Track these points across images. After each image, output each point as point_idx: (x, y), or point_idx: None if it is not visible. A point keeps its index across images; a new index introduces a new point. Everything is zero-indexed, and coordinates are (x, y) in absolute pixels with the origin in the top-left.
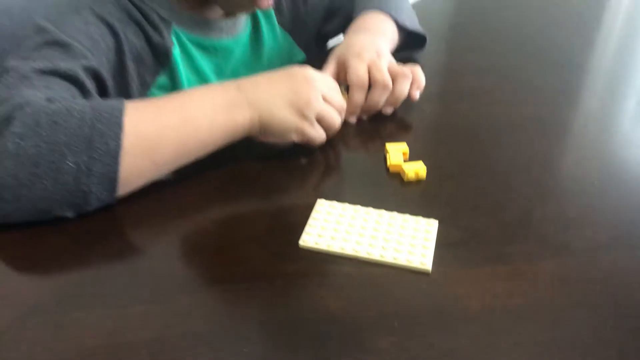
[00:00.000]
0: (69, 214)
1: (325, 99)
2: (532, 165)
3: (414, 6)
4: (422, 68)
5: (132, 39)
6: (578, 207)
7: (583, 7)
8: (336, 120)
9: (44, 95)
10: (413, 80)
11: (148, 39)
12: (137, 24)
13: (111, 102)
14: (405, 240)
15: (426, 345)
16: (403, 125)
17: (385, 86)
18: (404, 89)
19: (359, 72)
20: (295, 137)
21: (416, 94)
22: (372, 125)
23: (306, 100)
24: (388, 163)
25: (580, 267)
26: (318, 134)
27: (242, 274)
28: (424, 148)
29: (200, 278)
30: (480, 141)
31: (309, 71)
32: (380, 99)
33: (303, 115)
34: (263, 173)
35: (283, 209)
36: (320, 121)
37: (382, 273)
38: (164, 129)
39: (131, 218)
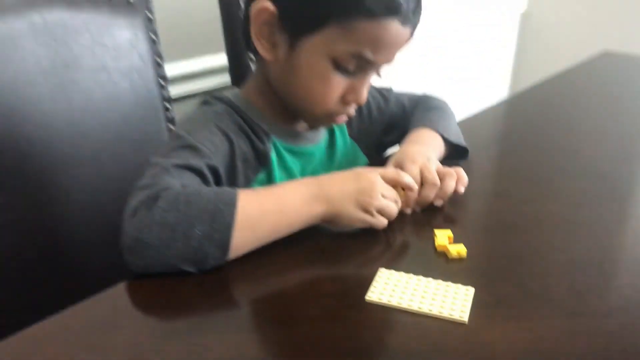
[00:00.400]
0: (192, 269)
1: (384, 196)
2: (553, 251)
3: (470, 119)
4: (470, 170)
5: (241, 146)
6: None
7: (631, 120)
8: (393, 212)
9: (180, 183)
10: (458, 178)
11: (253, 146)
12: (246, 134)
13: (228, 190)
14: (448, 300)
15: None
16: (449, 216)
17: (434, 184)
18: (450, 185)
19: (413, 173)
20: (359, 226)
21: (461, 189)
22: (424, 216)
23: (369, 198)
24: (435, 244)
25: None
26: (379, 222)
27: (320, 318)
28: (466, 234)
29: (286, 318)
30: (514, 231)
31: (372, 173)
32: (430, 194)
33: (366, 210)
34: (332, 247)
35: (351, 275)
36: (381, 212)
37: (429, 322)
38: (264, 212)
39: (236, 277)
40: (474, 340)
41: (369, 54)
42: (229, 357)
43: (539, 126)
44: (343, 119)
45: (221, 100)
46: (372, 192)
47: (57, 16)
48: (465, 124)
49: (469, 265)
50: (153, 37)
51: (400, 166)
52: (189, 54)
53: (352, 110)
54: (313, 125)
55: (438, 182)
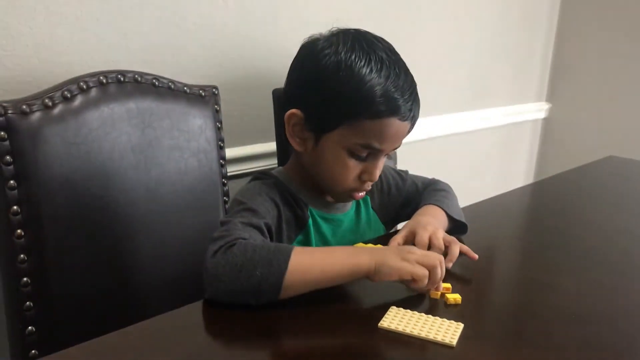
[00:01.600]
0: (252, 302)
1: (422, 255)
2: (532, 305)
3: (496, 198)
4: (480, 237)
5: (286, 212)
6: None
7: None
8: (434, 260)
9: (247, 235)
10: (464, 249)
11: (294, 213)
12: (289, 203)
13: (286, 245)
14: (442, 330)
15: None
16: (455, 274)
17: (440, 249)
18: (456, 250)
19: (423, 238)
20: (405, 277)
21: (449, 264)
22: None
23: (408, 251)
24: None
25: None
26: (420, 270)
27: (344, 343)
28: (464, 288)
29: (318, 344)
30: (502, 289)
31: (408, 246)
32: (457, 251)
33: (407, 260)
34: (351, 293)
35: (367, 311)
36: (420, 263)
37: (425, 344)
38: (313, 261)
39: (291, 315)
40: (459, 359)
41: (376, 144)
42: None
43: (551, 209)
44: (361, 195)
45: (269, 176)
46: (410, 249)
47: (147, 104)
48: (493, 201)
49: (462, 310)
50: (218, 124)
51: (413, 231)
52: (245, 141)
53: (368, 186)
54: (337, 199)
55: (443, 247)
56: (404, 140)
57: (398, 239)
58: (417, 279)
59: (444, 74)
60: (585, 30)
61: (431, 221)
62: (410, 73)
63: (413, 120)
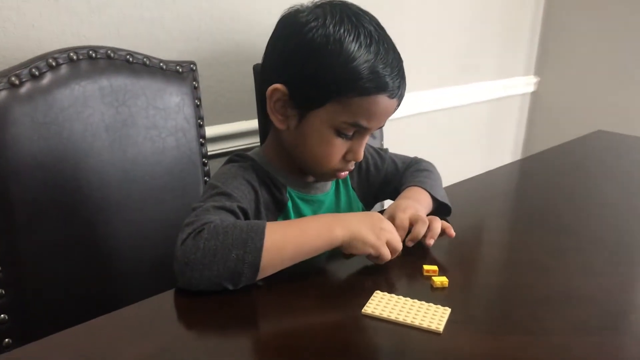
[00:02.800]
0: (230, 287)
1: (391, 233)
2: (521, 288)
3: (483, 176)
4: (471, 218)
5: (264, 194)
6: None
7: (618, 187)
8: (399, 244)
9: (219, 218)
10: (444, 225)
11: (272, 195)
12: (267, 186)
13: (258, 221)
14: (429, 315)
15: None
16: (441, 256)
17: (423, 221)
18: (437, 226)
19: (403, 221)
20: (371, 251)
21: (452, 233)
22: (417, 258)
23: (382, 228)
24: (423, 273)
25: (540, 345)
26: (386, 252)
27: (325, 331)
28: (451, 271)
29: (295, 326)
30: (491, 271)
31: (380, 215)
32: (421, 230)
33: (379, 237)
34: (337, 276)
35: (350, 296)
36: (388, 244)
37: (411, 331)
38: (288, 237)
39: (269, 302)
40: (446, 345)
41: (363, 123)
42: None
43: (540, 186)
44: (344, 174)
45: (245, 158)
46: (382, 225)
47: (121, 82)
48: (481, 178)
49: (450, 294)
50: (197, 102)
51: (392, 215)
52: (226, 119)
53: (351, 166)
54: (320, 179)
55: (426, 220)
56: (391, 117)
57: None
58: (380, 259)
59: (431, 48)
60: (574, 2)
61: (411, 204)
62: (397, 49)
63: (400, 97)
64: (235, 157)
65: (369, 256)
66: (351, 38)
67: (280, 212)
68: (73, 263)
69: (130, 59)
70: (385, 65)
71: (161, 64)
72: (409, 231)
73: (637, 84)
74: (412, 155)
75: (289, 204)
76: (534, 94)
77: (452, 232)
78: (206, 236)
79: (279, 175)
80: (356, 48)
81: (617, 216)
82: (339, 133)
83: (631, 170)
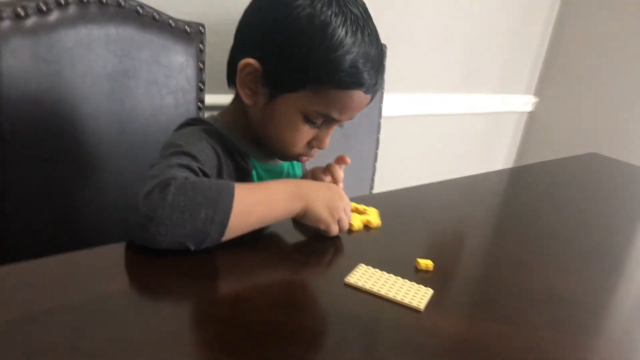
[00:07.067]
0: (192, 247)
1: (344, 211)
2: (504, 281)
3: (474, 177)
4: (460, 214)
5: (228, 162)
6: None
7: (627, 201)
8: (346, 226)
9: (184, 175)
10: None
11: (236, 163)
12: (230, 153)
13: (227, 181)
14: (411, 293)
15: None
16: (421, 241)
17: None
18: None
19: (340, 174)
20: (321, 227)
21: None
22: (408, 245)
23: (337, 207)
24: (417, 267)
25: (516, 333)
26: (335, 230)
27: (305, 296)
28: (439, 257)
29: (275, 292)
30: (477, 263)
31: (342, 192)
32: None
33: (332, 216)
34: (318, 249)
35: (336, 267)
36: (338, 222)
37: (392, 306)
38: (255, 203)
39: (221, 259)
40: (425, 324)
41: (335, 115)
42: (205, 321)
43: (528, 193)
44: (306, 159)
45: (204, 122)
46: (340, 205)
47: (128, 32)
48: (473, 178)
49: (433, 277)
50: (201, 65)
51: (315, 176)
52: (227, 89)
53: (314, 153)
54: (281, 159)
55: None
56: (389, 114)
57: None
58: (328, 234)
59: (438, 53)
60: (581, 30)
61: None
62: (380, 41)
63: (375, 93)
64: (193, 121)
65: (317, 228)
66: (337, 23)
67: (244, 181)
68: (56, 206)
69: (140, 11)
70: (366, 60)
71: (170, 21)
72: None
73: (633, 113)
74: (403, 156)
75: (254, 173)
76: (531, 113)
77: (347, 160)
78: (174, 191)
79: (240, 144)
80: (341, 36)
81: (603, 230)
82: (308, 120)
83: (619, 191)
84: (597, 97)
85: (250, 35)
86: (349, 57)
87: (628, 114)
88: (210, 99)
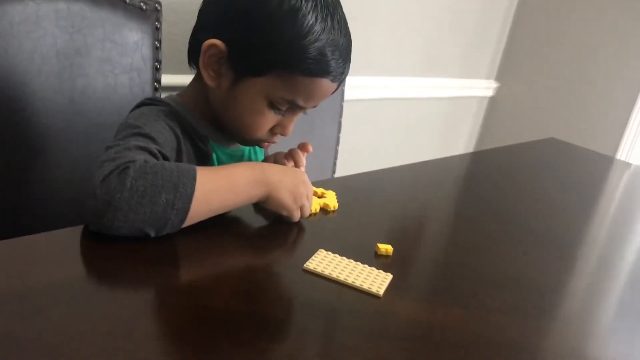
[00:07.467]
0: (152, 233)
1: (307, 198)
2: (463, 265)
3: (435, 162)
4: (420, 198)
5: (187, 144)
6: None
7: (584, 186)
8: (308, 212)
9: (142, 158)
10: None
11: (196, 146)
12: (189, 135)
13: (188, 165)
14: (370, 279)
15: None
16: (382, 227)
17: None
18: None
19: (302, 158)
20: (283, 213)
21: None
22: (368, 230)
23: (300, 194)
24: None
25: (474, 318)
26: (297, 216)
27: (263, 281)
28: (399, 242)
29: (233, 276)
30: (437, 247)
31: (306, 177)
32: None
33: (295, 203)
34: (279, 234)
35: (296, 252)
36: (300, 209)
37: (351, 291)
38: (217, 188)
39: (178, 246)
40: (384, 309)
41: (300, 102)
42: (160, 309)
43: (488, 178)
44: (268, 145)
45: (162, 102)
46: (303, 191)
47: (80, 8)
48: (434, 163)
49: (393, 262)
50: (157, 44)
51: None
52: (185, 70)
53: (277, 139)
54: (242, 144)
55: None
56: (352, 97)
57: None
58: (290, 219)
59: (401, 36)
60: (542, 16)
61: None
62: (349, 29)
63: (340, 82)
64: (149, 101)
65: (279, 213)
66: (307, 9)
67: (203, 165)
68: (5, 188)
69: None
70: (334, 48)
71: None
72: None
73: (591, 100)
74: (365, 140)
75: (214, 156)
76: (492, 98)
77: (310, 148)
78: (133, 175)
79: (200, 126)
80: (310, 22)
81: (559, 214)
82: (272, 105)
83: (576, 176)
84: (556, 83)
85: (216, 15)
86: (317, 45)
87: (586, 100)
88: (167, 79)
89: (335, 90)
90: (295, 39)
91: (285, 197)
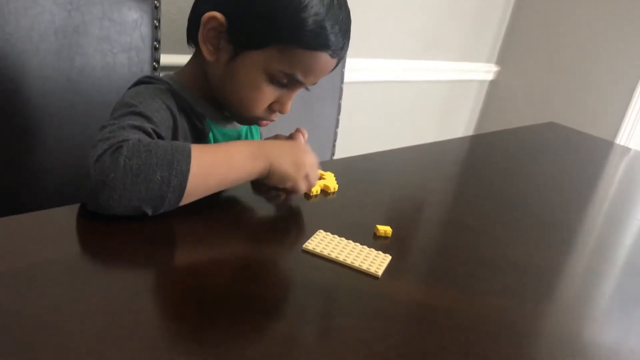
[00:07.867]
0: (150, 212)
1: (311, 167)
2: (462, 249)
3: (434, 144)
4: (419, 180)
5: (183, 123)
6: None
7: (583, 170)
8: (315, 181)
9: (136, 137)
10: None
11: (192, 125)
12: (186, 114)
13: (182, 143)
14: (369, 259)
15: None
16: (382, 211)
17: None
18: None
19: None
20: (288, 185)
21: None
22: (368, 212)
23: (303, 163)
24: (376, 233)
25: (472, 301)
26: (303, 186)
27: (262, 261)
28: (398, 224)
29: (238, 249)
30: (436, 229)
31: (308, 147)
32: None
33: (299, 171)
34: (278, 215)
35: (293, 232)
36: (307, 178)
37: (350, 272)
38: (214, 164)
39: (177, 226)
40: (382, 289)
41: (299, 76)
42: (159, 288)
43: (487, 161)
44: (265, 123)
45: (159, 80)
46: (306, 159)
47: None
48: (433, 145)
49: (391, 244)
50: (156, 22)
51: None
52: (185, 49)
53: (275, 117)
54: (239, 122)
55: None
56: (352, 80)
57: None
58: (296, 192)
59: (401, 19)
60: (543, 0)
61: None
62: (348, 6)
63: (341, 58)
64: (146, 79)
65: (283, 188)
66: None
67: (200, 143)
68: (2, 167)
69: None
70: (334, 22)
71: None
72: None
73: (591, 84)
74: (364, 122)
75: (210, 135)
76: (492, 82)
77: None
78: (126, 154)
79: (197, 104)
80: None
81: (558, 197)
82: (272, 80)
83: (575, 160)
84: (557, 68)
85: None
86: (317, 18)
87: (586, 85)
88: (165, 58)
89: (334, 68)
90: (294, 11)
91: (287, 166)
